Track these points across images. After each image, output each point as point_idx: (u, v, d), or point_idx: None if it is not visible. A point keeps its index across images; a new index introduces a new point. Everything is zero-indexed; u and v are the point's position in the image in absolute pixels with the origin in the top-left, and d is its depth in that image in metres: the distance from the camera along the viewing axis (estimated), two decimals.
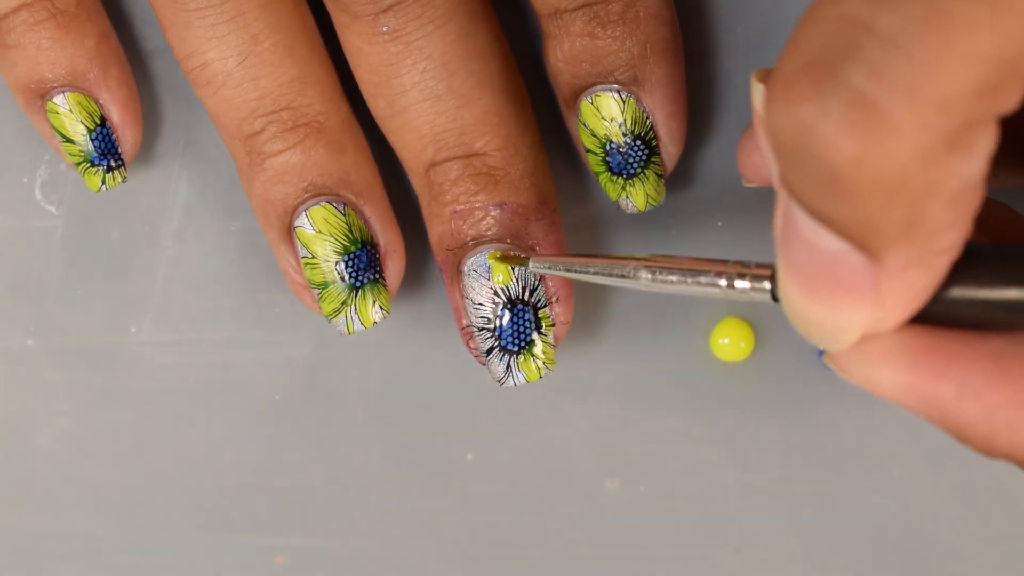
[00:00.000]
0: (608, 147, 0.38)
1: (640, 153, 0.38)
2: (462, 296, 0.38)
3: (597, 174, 0.39)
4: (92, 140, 0.40)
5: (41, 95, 0.39)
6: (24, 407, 0.43)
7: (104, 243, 0.42)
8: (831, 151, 0.25)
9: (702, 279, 0.31)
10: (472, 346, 0.38)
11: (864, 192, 0.25)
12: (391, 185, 0.41)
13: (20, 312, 0.43)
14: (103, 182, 0.40)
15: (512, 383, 0.38)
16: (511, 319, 0.38)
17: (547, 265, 0.35)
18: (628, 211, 0.39)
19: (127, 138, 0.40)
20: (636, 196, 0.38)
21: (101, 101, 0.40)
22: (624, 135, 0.38)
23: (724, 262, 0.31)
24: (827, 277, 0.26)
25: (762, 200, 0.41)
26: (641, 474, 0.42)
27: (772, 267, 0.30)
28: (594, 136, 0.38)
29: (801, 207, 0.26)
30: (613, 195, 0.39)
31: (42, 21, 0.39)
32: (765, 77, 0.32)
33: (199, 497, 0.43)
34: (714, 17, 0.40)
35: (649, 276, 0.32)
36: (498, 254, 0.37)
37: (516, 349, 0.38)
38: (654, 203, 0.39)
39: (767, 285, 0.30)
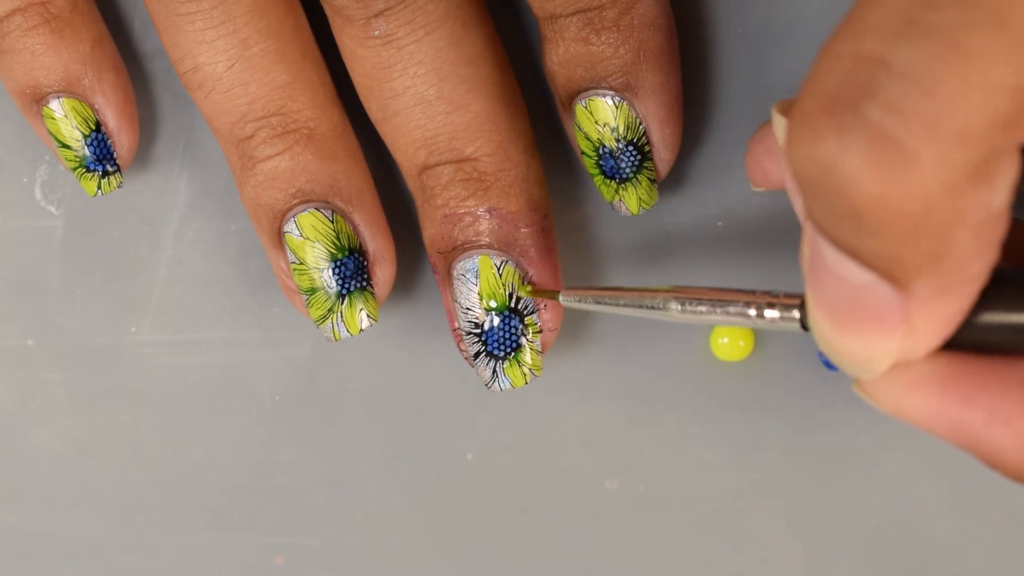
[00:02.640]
0: (601, 151, 0.38)
1: (633, 158, 0.38)
2: (453, 298, 0.38)
3: (592, 176, 0.39)
4: (87, 145, 0.40)
5: (37, 100, 0.39)
6: (24, 407, 0.43)
7: (104, 243, 0.42)
8: (854, 188, 0.25)
9: (731, 309, 0.32)
10: (462, 348, 0.38)
11: (889, 226, 0.25)
12: (390, 185, 0.41)
13: (20, 312, 0.43)
14: (99, 187, 0.40)
15: (499, 387, 0.38)
16: (498, 325, 0.38)
17: (577, 298, 0.35)
18: (622, 213, 0.39)
19: (123, 143, 0.40)
20: (629, 200, 0.39)
21: (96, 106, 0.40)
22: (617, 140, 0.38)
23: (752, 292, 0.31)
24: (856, 308, 0.27)
25: (762, 200, 0.41)
26: (641, 474, 0.42)
27: (801, 297, 0.31)
28: (588, 139, 0.38)
29: (827, 240, 0.26)
30: (607, 197, 0.39)
31: (36, 26, 0.39)
32: (787, 109, 0.32)
33: (199, 497, 0.43)
34: (713, 16, 0.40)
35: (679, 307, 0.33)
36: (529, 288, 0.38)
37: (502, 354, 0.38)
38: (647, 207, 0.39)
39: (796, 315, 0.31)
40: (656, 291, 0.33)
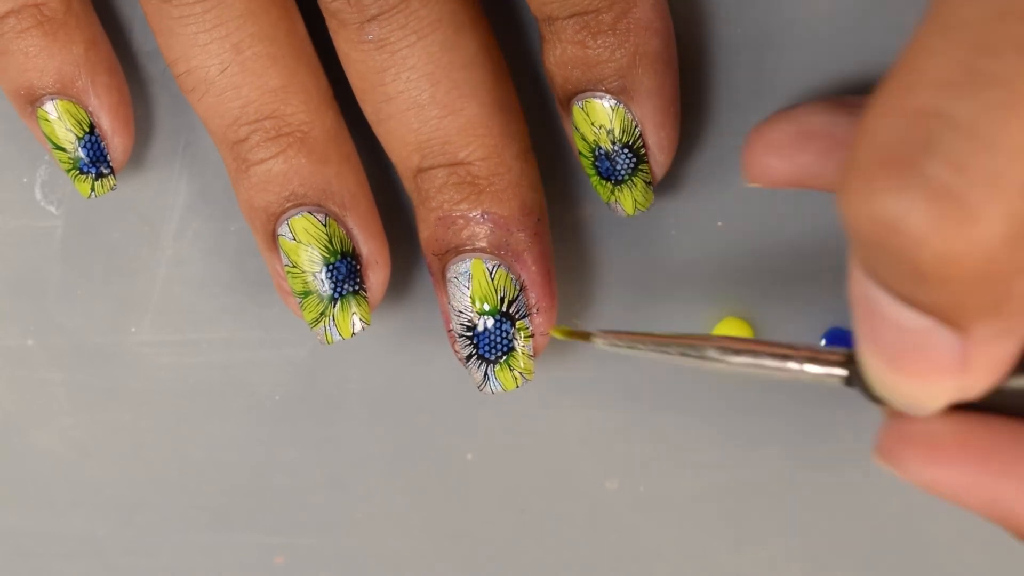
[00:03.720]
0: (597, 152, 0.38)
1: (628, 161, 0.38)
2: (447, 301, 0.38)
3: (589, 176, 0.39)
4: (81, 147, 0.40)
5: (31, 102, 0.39)
6: (24, 407, 0.43)
7: (104, 243, 0.43)
8: (917, 246, 0.24)
9: (773, 363, 0.31)
10: (456, 349, 0.38)
11: (952, 281, 0.25)
12: (390, 187, 0.41)
13: (20, 312, 0.43)
14: (92, 189, 0.40)
15: (490, 390, 0.38)
16: (490, 328, 0.38)
17: (613, 342, 0.34)
18: (618, 214, 0.39)
19: (117, 145, 0.40)
20: (624, 201, 0.39)
21: (90, 108, 0.40)
22: (613, 142, 0.38)
23: (792, 346, 0.31)
24: (914, 352, 0.26)
25: (762, 200, 0.41)
26: (641, 474, 0.42)
27: (843, 353, 0.30)
28: (584, 141, 0.38)
29: (885, 290, 0.26)
30: (604, 197, 0.39)
31: (29, 28, 0.39)
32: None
33: (199, 497, 0.43)
34: (712, 17, 0.40)
35: (718, 357, 0.32)
36: (564, 329, 0.36)
37: (493, 358, 0.38)
38: (643, 208, 0.39)
39: (840, 371, 0.30)
40: (695, 339, 0.32)
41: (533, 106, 0.40)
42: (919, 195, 0.24)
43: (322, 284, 0.38)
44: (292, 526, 0.43)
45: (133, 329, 0.43)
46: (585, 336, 0.35)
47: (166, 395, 0.43)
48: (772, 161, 0.35)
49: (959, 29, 0.24)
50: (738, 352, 0.31)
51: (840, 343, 0.40)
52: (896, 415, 0.30)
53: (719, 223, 0.41)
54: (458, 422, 0.42)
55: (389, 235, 0.39)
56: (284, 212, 0.38)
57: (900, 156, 0.24)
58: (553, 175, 0.41)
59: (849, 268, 0.27)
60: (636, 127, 0.38)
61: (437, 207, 0.38)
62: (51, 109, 0.39)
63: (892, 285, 0.26)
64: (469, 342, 0.38)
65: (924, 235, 0.24)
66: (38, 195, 0.43)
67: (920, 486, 0.29)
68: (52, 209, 0.43)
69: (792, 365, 0.31)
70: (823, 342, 0.41)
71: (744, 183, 0.37)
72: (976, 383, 0.27)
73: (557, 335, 0.36)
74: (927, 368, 0.27)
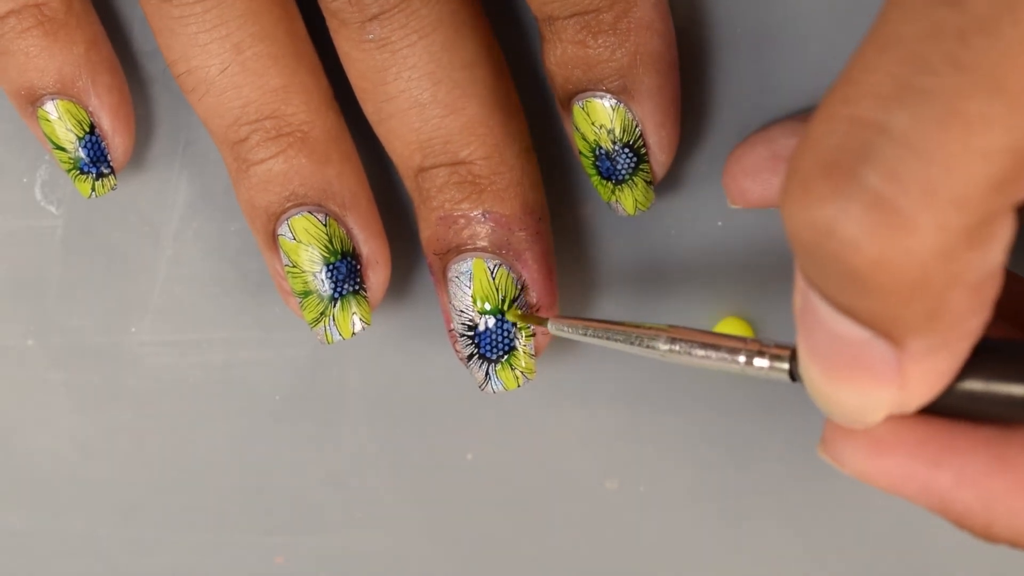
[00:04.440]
0: (598, 152, 0.38)
1: (628, 160, 0.38)
2: (448, 300, 0.38)
3: (589, 175, 0.39)
4: (82, 147, 0.40)
5: (32, 102, 0.39)
6: (24, 407, 0.43)
7: (104, 243, 0.43)
8: (851, 253, 0.25)
9: (720, 355, 0.32)
10: (458, 349, 0.39)
11: (886, 289, 0.25)
12: (391, 187, 0.41)
13: (20, 312, 0.43)
14: (93, 189, 0.40)
15: (491, 390, 0.38)
16: (492, 327, 0.38)
17: (567, 328, 0.35)
18: (618, 214, 0.39)
19: (117, 145, 0.40)
20: (625, 200, 0.39)
21: (90, 108, 0.40)
22: (613, 142, 0.38)
23: (743, 339, 0.32)
24: (850, 361, 0.27)
25: None
26: (641, 474, 0.42)
27: (791, 348, 0.31)
28: (585, 140, 0.38)
29: (822, 298, 0.26)
30: (604, 197, 0.39)
31: (30, 28, 0.39)
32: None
33: (199, 497, 0.43)
34: (713, 17, 0.40)
35: (667, 347, 0.32)
36: (519, 312, 0.38)
37: (495, 357, 0.38)
38: (643, 207, 0.39)
39: (785, 366, 0.31)
40: (647, 328, 0.33)
41: (533, 106, 0.40)
42: (854, 202, 0.24)
43: (322, 284, 0.38)
44: (292, 526, 0.43)
45: (133, 329, 0.43)
46: (541, 321, 0.37)
47: (166, 395, 0.43)
48: (749, 184, 0.36)
49: (897, 45, 0.24)
50: (689, 344, 0.32)
51: None
52: None
53: (719, 223, 0.41)
54: (458, 422, 0.42)
55: (389, 235, 0.39)
56: (284, 212, 0.38)
57: (837, 164, 0.25)
58: (553, 175, 0.41)
59: (795, 277, 0.27)
60: (637, 127, 0.38)
61: (438, 206, 0.38)
62: (52, 109, 0.39)
63: (829, 293, 0.26)
64: (470, 341, 0.38)
65: (858, 241, 0.25)
66: (38, 195, 0.43)
67: (859, 478, 0.30)
68: (52, 209, 0.43)
69: (740, 359, 0.31)
70: None
71: (728, 204, 0.37)
72: (912, 398, 0.28)
73: (512, 319, 0.37)
74: (862, 377, 0.27)
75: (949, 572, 0.42)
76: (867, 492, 0.42)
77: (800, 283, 0.27)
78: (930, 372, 0.27)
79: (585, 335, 0.35)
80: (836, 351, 0.27)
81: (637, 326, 0.33)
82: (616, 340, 0.34)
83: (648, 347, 0.33)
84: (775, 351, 0.31)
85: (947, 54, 0.24)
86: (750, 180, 0.36)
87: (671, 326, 0.33)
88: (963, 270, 0.25)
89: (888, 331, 0.26)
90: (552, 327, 0.36)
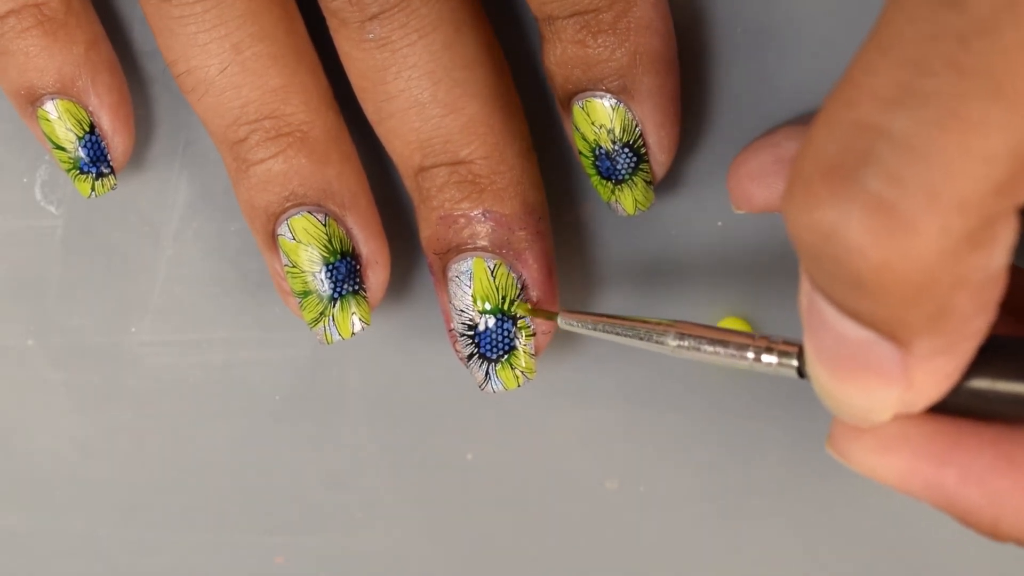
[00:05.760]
0: (597, 152, 0.38)
1: (628, 160, 0.38)
2: (448, 300, 0.38)
3: (589, 175, 0.39)
4: (81, 147, 0.40)
5: (32, 101, 0.39)
6: (24, 407, 0.43)
7: (104, 243, 0.43)
8: (854, 256, 0.25)
9: (729, 351, 0.32)
10: (457, 349, 0.39)
11: (890, 292, 0.25)
12: (391, 186, 0.41)
13: (20, 312, 0.43)
14: (92, 189, 0.40)
15: (491, 389, 0.38)
16: (492, 327, 0.38)
17: (576, 322, 0.35)
18: (618, 214, 0.39)
19: (117, 145, 0.40)
20: (624, 201, 0.39)
21: (90, 108, 0.40)
22: (613, 142, 0.38)
23: (752, 336, 0.32)
24: (856, 363, 0.27)
25: None
26: (641, 474, 0.42)
27: (799, 344, 0.31)
28: (584, 140, 0.38)
29: (826, 300, 0.26)
30: (604, 196, 0.39)
31: (29, 28, 0.39)
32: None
33: (199, 497, 0.43)
34: (713, 17, 0.40)
35: (676, 343, 0.33)
36: (527, 306, 0.38)
37: (495, 357, 0.38)
38: (643, 207, 0.39)
39: (794, 363, 0.31)
40: (656, 324, 0.33)
41: (533, 106, 0.40)
42: (857, 205, 0.25)
43: (322, 284, 0.38)
44: (292, 526, 0.43)
45: (133, 329, 0.43)
46: (551, 315, 0.37)
47: (166, 395, 0.43)
48: (754, 189, 0.36)
49: (898, 47, 0.24)
50: (697, 340, 0.32)
51: None
52: None
53: (719, 223, 0.41)
54: (458, 422, 0.42)
55: (389, 235, 0.39)
56: (284, 212, 0.38)
57: (840, 167, 0.25)
58: (553, 174, 0.41)
59: (799, 279, 0.27)
60: (636, 126, 0.38)
61: (438, 206, 0.38)
62: (51, 109, 0.39)
63: (834, 296, 0.26)
64: (471, 341, 0.38)
65: (861, 245, 0.25)
66: (38, 195, 0.43)
67: (866, 475, 0.30)
68: (52, 209, 0.43)
69: (749, 355, 0.31)
70: None
71: (733, 209, 0.37)
72: (919, 398, 0.28)
73: (520, 312, 0.38)
74: (868, 379, 0.27)
75: (949, 572, 0.42)
76: (867, 492, 0.42)
77: (805, 285, 0.27)
78: (936, 373, 0.27)
79: (595, 330, 0.35)
80: (842, 352, 0.27)
81: (646, 321, 0.34)
82: (625, 335, 0.34)
83: (657, 343, 0.33)
84: (783, 347, 0.31)
85: (948, 57, 0.24)
86: (755, 185, 0.36)
87: (680, 321, 0.33)
88: (966, 272, 0.25)
89: (893, 333, 0.26)
90: (562, 321, 0.36)
